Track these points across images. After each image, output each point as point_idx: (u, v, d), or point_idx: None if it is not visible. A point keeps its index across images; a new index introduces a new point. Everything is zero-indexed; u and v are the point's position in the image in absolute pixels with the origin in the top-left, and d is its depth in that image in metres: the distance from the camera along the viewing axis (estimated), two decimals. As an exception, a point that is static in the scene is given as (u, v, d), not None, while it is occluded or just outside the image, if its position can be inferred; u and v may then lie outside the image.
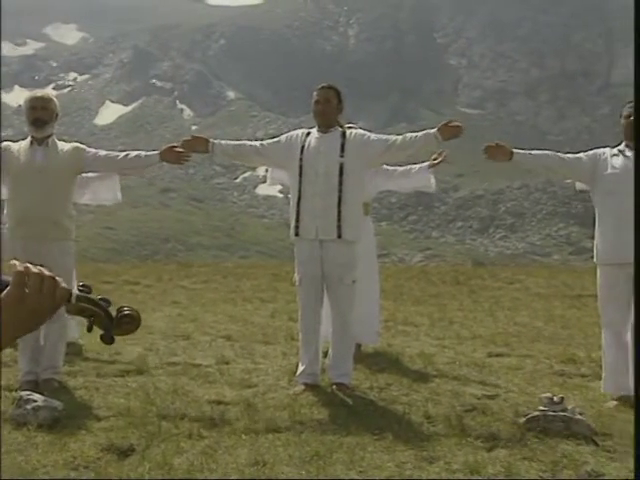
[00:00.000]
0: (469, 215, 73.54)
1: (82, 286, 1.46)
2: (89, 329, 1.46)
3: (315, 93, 5.16)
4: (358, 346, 6.16)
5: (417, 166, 6.22)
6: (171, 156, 5.13)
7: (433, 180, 6.28)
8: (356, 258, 5.14)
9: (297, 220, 5.08)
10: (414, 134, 4.94)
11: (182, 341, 6.73)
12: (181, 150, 5.12)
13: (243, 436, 3.90)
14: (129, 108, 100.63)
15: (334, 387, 4.98)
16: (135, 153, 5.26)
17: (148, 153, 5.22)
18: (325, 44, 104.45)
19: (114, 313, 1.47)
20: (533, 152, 5.10)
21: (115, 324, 1.46)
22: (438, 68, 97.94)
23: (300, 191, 5.06)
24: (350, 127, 5.42)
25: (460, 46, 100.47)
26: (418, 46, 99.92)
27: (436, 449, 3.79)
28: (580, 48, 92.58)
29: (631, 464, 3.61)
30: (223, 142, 5.20)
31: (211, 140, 5.16)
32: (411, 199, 75.27)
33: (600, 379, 5.04)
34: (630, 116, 4.80)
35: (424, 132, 4.89)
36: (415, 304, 9.77)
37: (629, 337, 4.87)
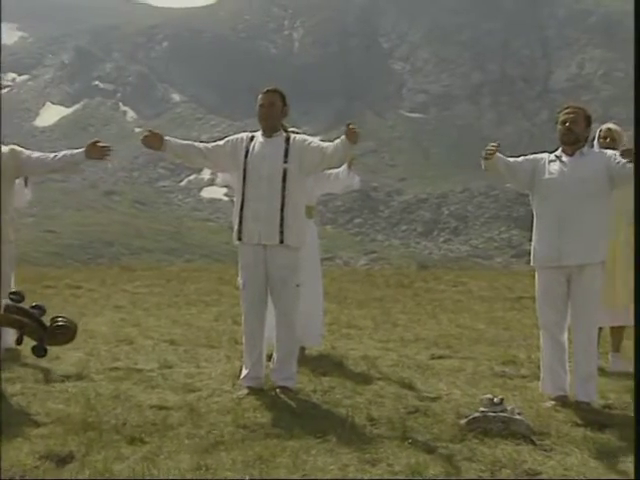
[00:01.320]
0: (413, 218, 74.16)
1: (13, 294, 1.40)
2: (18, 341, 1.39)
3: (260, 97, 5.17)
4: (302, 349, 6.18)
5: (342, 168, 6.30)
6: (95, 152, 5.10)
7: (357, 179, 6.43)
8: (300, 262, 5.15)
9: (240, 224, 5.07)
10: (335, 142, 4.98)
11: (124, 346, 6.65)
12: (104, 145, 5.09)
13: (186, 441, 3.88)
14: (71, 110, 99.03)
15: (278, 390, 4.99)
16: (63, 153, 5.22)
17: (74, 151, 5.19)
18: (270, 47, 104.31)
19: (48, 323, 1.41)
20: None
21: (49, 335, 1.40)
22: (383, 72, 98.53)
23: (244, 195, 5.06)
24: (294, 132, 5.44)
25: (404, 51, 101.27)
26: (363, 50, 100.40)
27: (379, 451, 3.83)
28: (519, 54, 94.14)
29: (568, 462, 3.70)
30: (173, 140, 5.16)
31: (165, 137, 5.11)
32: (356, 203, 75.62)
33: (539, 380, 5.13)
34: (566, 122, 4.91)
35: (339, 139, 4.92)
36: (359, 307, 9.81)
37: (565, 338, 4.98)
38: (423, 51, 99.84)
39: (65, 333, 1.40)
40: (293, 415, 4.45)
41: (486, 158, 4.86)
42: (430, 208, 74.77)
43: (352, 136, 4.81)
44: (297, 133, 5.46)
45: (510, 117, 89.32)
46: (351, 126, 4.81)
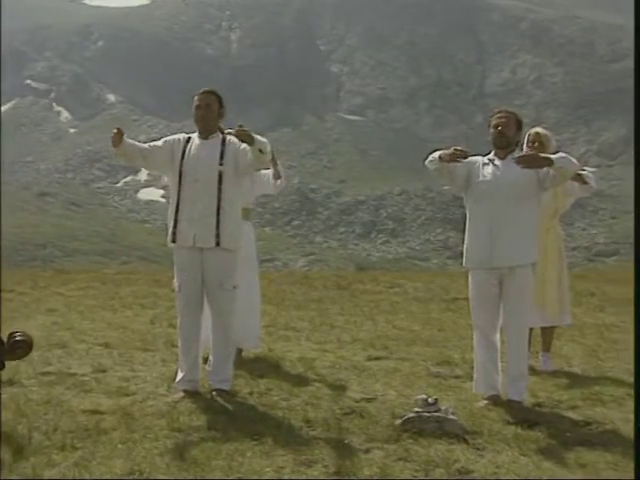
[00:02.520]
0: (352, 220, 74.56)
1: None
2: None
3: (196, 98, 5.13)
4: (239, 352, 6.16)
5: (270, 170, 6.40)
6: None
7: (282, 178, 6.51)
8: (236, 264, 5.14)
9: (175, 227, 5.03)
10: None
11: (57, 350, 6.53)
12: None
13: (119, 445, 3.83)
14: (1, 109, 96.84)
15: (214, 393, 4.96)
16: None
17: None
18: (207, 48, 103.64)
19: (5, 338, 1.39)
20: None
21: (8, 350, 1.38)
22: (321, 75, 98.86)
23: (179, 197, 5.02)
24: (230, 133, 5.41)
25: (342, 53, 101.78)
26: (301, 53, 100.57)
27: (314, 453, 3.84)
28: (454, 59, 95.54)
29: (499, 460, 3.77)
30: (128, 140, 5.07)
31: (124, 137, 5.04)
32: (295, 204, 75.69)
33: (473, 380, 5.20)
34: (498, 126, 5.00)
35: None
36: (297, 309, 9.82)
37: (497, 338, 5.07)
38: (360, 54, 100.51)
39: (23, 347, 1.38)
40: (229, 418, 4.43)
41: (452, 161, 4.90)
42: (368, 210, 75.29)
43: (240, 136, 4.82)
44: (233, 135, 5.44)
45: (446, 120, 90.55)
46: (238, 127, 4.81)
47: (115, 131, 4.96)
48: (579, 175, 5.76)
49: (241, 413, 4.56)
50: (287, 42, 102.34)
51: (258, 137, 4.89)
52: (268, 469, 3.58)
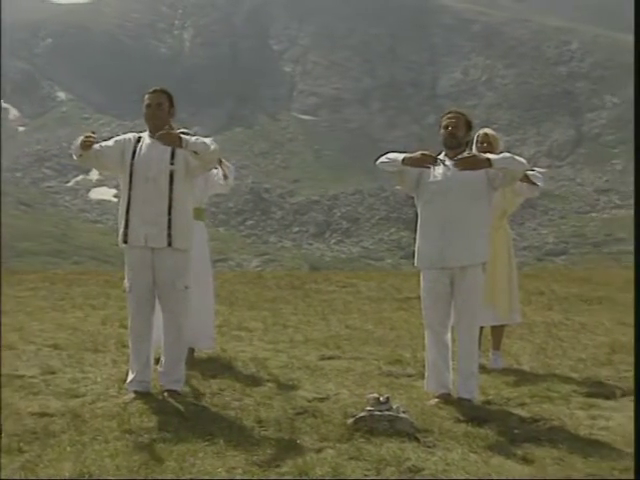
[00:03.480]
0: (305, 220, 74.62)
1: None
2: None
3: (146, 97, 5.09)
4: (191, 352, 6.14)
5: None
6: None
7: (231, 178, 6.48)
8: (188, 264, 5.11)
9: (126, 227, 4.99)
10: None
11: (5, 351, 6.42)
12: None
13: (68, 448, 3.78)
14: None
15: (166, 394, 4.93)
16: None
17: None
18: (160, 46, 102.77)
19: None
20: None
21: None
22: (274, 74, 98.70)
23: (130, 197, 4.98)
24: (182, 132, 5.38)
25: (295, 53, 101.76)
26: (254, 52, 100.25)
27: (266, 453, 3.84)
28: (407, 60, 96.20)
29: (449, 458, 3.81)
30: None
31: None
32: (248, 204, 75.48)
33: (424, 378, 5.25)
34: (448, 127, 5.05)
35: None
36: (250, 309, 9.80)
37: (448, 337, 5.13)
38: (313, 54, 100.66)
39: None
40: (181, 418, 4.41)
41: (420, 166, 4.94)
42: (322, 210, 75.42)
43: (164, 140, 4.82)
44: (186, 134, 5.41)
45: (399, 121, 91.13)
46: (159, 134, 4.82)
47: (90, 135, 4.90)
48: (526, 176, 5.87)
49: (193, 414, 4.54)
50: (240, 41, 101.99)
51: (191, 139, 4.86)
52: (220, 469, 3.57)
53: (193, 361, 6.06)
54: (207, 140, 4.94)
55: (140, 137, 5.10)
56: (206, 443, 3.92)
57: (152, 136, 5.05)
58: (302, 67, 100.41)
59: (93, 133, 4.94)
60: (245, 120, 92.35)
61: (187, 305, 5.13)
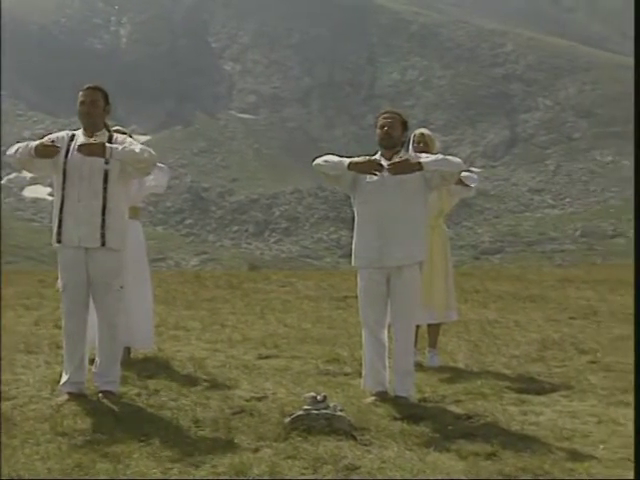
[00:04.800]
0: (245, 219, 74.34)
1: None
2: None
3: (80, 94, 5.01)
4: (127, 352, 6.07)
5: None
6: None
7: (165, 177, 6.45)
8: (123, 264, 5.05)
9: (59, 226, 4.90)
10: None
11: None
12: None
13: (-2, 452, 3.70)
14: None
15: (100, 395, 4.87)
16: None
17: None
18: (96, 43, 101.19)
19: None
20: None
21: None
22: (213, 73, 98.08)
23: (63, 196, 4.90)
24: (118, 131, 5.32)
25: (234, 52, 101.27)
26: (193, 50, 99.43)
27: (203, 453, 3.82)
28: (346, 60, 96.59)
29: (385, 455, 3.84)
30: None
31: None
32: (187, 203, 74.87)
33: (361, 376, 5.28)
34: (384, 127, 5.09)
35: None
36: (187, 308, 9.73)
37: (385, 336, 5.17)
38: (253, 53, 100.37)
39: None
40: (116, 420, 4.36)
41: (367, 172, 4.96)
42: (261, 209, 75.25)
43: (82, 152, 4.77)
44: (123, 133, 5.35)
45: (338, 120, 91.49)
46: (79, 145, 4.78)
47: (55, 146, 4.80)
48: (460, 179, 5.98)
49: (128, 415, 4.49)
50: (178, 39, 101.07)
51: (118, 148, 4.79)
52: (155, 470, 3.54)
53: (129, 361, 5.99)
54: (137, 148, 4.85)
55: (74, 135, 5.02)
56: (141, 444, 3.88)
57: (86, 134, 4.98)
58: (242, 66, 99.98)
59: (53, 142, 4.84)
60: (184, 118, 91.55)
61: (122, 305, 5.07)
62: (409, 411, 4.69)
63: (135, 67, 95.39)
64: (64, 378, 4.92)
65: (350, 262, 5.29)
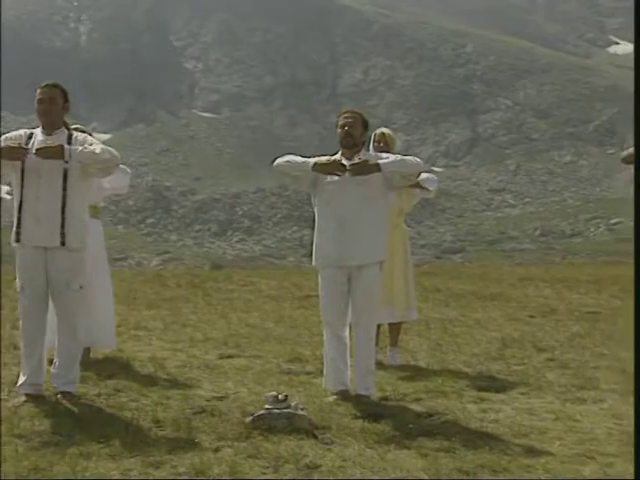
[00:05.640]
0: (207, 218, 73.92)
1: None
2: None
3: (38, 91, 4.95)
4: (87, 352, 6.01)
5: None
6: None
7: (126, 178, 6.38)
8: (83, 264, 5.00)
9: (18, 226, 4.84)
10: None
11: None
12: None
13: (-48, 456, 3.64)
14: None
15: (59, 396, 4.82)
16: None
17: None
18: (55, 40, 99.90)
19: None
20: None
21: None
22: (175, 71, 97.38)
23: (22, 195, 4.84)
24: (77, 129, 5.26)
25: (196, 50, 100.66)
26: (154, 48, 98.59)
27: (163, 453, 3.80)
28: (308, 59, 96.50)
29: (346, 454, 3.86)
30: None
31: None
32: (149, 202, 74.24)
33: (323, 375, 5.30)
34: (345, 126, 5.11)
35: None
36: (148, 308, 9.67)
37: (346, 335, 5.19)
38: (215, 51, 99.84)
39: None
40: (74, 421, 4.31)
41: (330, 174, 4.96)
42: (224, 208, 74.88)
43: (40, 156, 4.72)
44: (82, 131, 5.29)
45: (301, 119, 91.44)
46: (36, 150, 4.73)
47: (24, 148, 4.74)
48: (418, 183, 6.06)
49: (87, 416, 4.45)
50: (139, 37, 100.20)
51: (77, 149, 4.73)
52: (114, 472, 3.51)
53: (89, 362, 5.94)
54: (98, 149, 4.80)
55: (32, 133, 4.96)
56: (100, 445, 3.85)
57: (45, 132, 4.93)
58: (204, 64, 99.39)
59: (20, 145, 4.77)
60: (145, 117, 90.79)
61: (82, 305, 5.02)
62: (370, 409, 4.72)
63: (96, 65, 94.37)
64: (22, 379, 4.86)
65: (312, 261, 5.31)
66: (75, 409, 4.58)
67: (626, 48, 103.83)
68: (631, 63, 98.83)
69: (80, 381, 5.03)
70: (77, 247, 4.90)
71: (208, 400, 4.95)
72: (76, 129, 5.23)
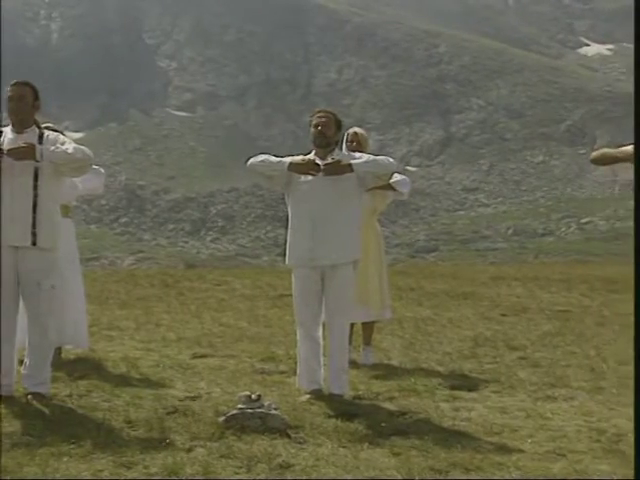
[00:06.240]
0: (181, 218, 73.61)
1: None
2: None
3: (8, 89, 4.91)
4: (58, 352, 5.96)
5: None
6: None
7: (100, 179, 6.35)
8: (54, 263, 4.96)
9: (-3, 225, 4.79)
10: None
11: None
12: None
13: None
14: None
15: (30, 397, 4.77)
16: None
17: None
18: (26, 37, 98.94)
19: None
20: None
21: None
22: (148, 69, 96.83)
23: (1, 194, 4.78)
24: (49, 127, 5.22)
25: (169, 48, 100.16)
26: (127, 46, 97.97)
27: (135, 454, 3.78)
28: (282, 58, 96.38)
29: (319, 453, 3.86)
30: None
31: None
32: (122, 201, 73.79)
33: (296, 375, 5.30)
34: (318, 126, 5.11)
35: None
36: (121, 308, 9.61)
37: (319, 334, 5.20)
38: (188, 50, 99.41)
39: None
40: (45, 422, 4.28)
41: (306, 174, 4.96)
42: (198, 207, 74.60)
43: (11, 157, 4.68)
44: (54, 130, 5.25)
45: (275, 119, 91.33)
46: (8, 151, 4.69)
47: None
48: (390, 185, 6.09)
49: (59, 416, 4.41)
50: (112, 35, 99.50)
51: (49, 149, 4.69)
52: (85, 473, 3.48)
53: (60, 362, 5.88)
54: (71, 148, 4.75)
55: (1, 132, 4.91)
56: (72, 446, 3.82)
57: (15, 130, 4.88)
58: (177, 63, 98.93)
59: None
60: (118, 116, 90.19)
61: (53, 305, 4.98)
62: (343, 408, 4.73)
63: (67, 62, 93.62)
64: (-8, 380, 4.81)
65: (285, 261, 5.31)
66: (46, 410, 4.54)
67: (595, 49, 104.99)
68: (599, 65, 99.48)
69: (51, 382, 4.99)
70: (48, 247, 4.86)
71: (181, 400, 4.93)
72: (47, 127, 5.18)
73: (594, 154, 4.77)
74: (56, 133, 5.06)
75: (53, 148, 4.72)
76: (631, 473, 3.64)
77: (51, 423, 4.24)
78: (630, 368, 6.10)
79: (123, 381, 5.45)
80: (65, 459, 3.63)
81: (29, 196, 4.76)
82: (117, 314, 8.99)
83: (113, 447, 3.84)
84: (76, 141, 5.08)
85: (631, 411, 4.85)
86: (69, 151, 4.73)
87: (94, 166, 5.90)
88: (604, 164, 4.71)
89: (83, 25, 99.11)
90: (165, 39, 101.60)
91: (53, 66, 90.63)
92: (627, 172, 4.71)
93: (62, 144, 4.80)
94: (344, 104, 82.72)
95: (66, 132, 5.68)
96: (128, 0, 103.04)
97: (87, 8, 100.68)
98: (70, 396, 4.93)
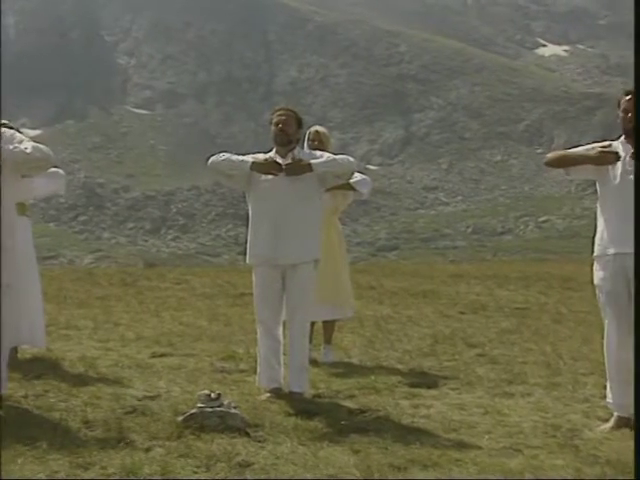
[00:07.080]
0: (141, 216, 73.01)
1: None
2: None
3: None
4: (14, 352, 5.88)
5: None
6: None
7: (61, 181, 6.31)
8: (11, 262, 4.88)
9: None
10: None
11: None
12: None
13: None
14: None
15: (-17, 399, 4.69)
16: None
17: None
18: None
19: None
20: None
21: None
22: (106, 66, 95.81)
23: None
24: (4, 125, 5.14)
25: (128, 45, 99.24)
26: (85, 42, 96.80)
27: (92, 454, 3.73)
28: (243, 56, 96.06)
29: (278, 451, 3.86)
30: None
31: None
32: (81, 199, 72.97)
33: (257, 373, 5.29)
34: (279, 124, 5.11)
35: None
36: (79, 307, 9.51)
37: (280, 332, 5.20)
38: (148, 47, 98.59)
39: None
40: (0, 423, 4.21)
41: (268, 174, 4.94)
42: (158, 205, 74.06)
43: None
44: (10, 127, 5.17)
45: (236, 117, 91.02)
46: None
47: None
48: (350, 185, 6.12)
49: (14, 417, 4.34)
50: (69, 30, 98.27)
51: (5, 147, 4.63)
52: (41, 474, 3.43)
53: (16, 362, 5.80)
54: (29, 148, 4.65)
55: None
56: (27, 448, 3.76)
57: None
58: (136, 60, 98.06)
59: None
60: (76, 113, 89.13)
61: (9, 304, 4.90)
62: (303, 407, 4.73)
63: (23, 58, 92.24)
64: (-55, 381, 4.73)
65: (246, 259, 5.29)
66: (0, 411, 4.47)
67: (551, 50, 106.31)
68: (556, 65, 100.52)
69: (6, 382, 4.91)
70: (4, 246, 4.78)
71: (139, 399, 4.89)
72: (4, 125, 5.09)
73: (549, 156, 4.81)
74: (12, 131, 4.98)
75: (11, 148, 4.62)
76: (584, 467, 3.72)
77: (5, 424, 4.17)
78: (585, 364, 6.22)
79: (81, 381, 5.39)
80: (20, 461, 3.57)
81: (-16, 195, 4.68)
82: (75, 313, 8.89)
83: (70, 448, 3.79)
84: (33, 139, 4.99)
85: (585, 407, 4.96)
86: (27, 151, 4.63)
87: (54, 168, 5.82)
88: (561, 166, 4.74)
89: (38, 20, 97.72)
90: (124, 36, 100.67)
91: (7, 62, 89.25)
92: (580, 173, 4.77)
93: (19, 143, 4.71)
94: (305, 103, 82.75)
95: (22, 129, 5.59)
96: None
97: (43, 2, 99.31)
98: (26, 397, 4.86)
